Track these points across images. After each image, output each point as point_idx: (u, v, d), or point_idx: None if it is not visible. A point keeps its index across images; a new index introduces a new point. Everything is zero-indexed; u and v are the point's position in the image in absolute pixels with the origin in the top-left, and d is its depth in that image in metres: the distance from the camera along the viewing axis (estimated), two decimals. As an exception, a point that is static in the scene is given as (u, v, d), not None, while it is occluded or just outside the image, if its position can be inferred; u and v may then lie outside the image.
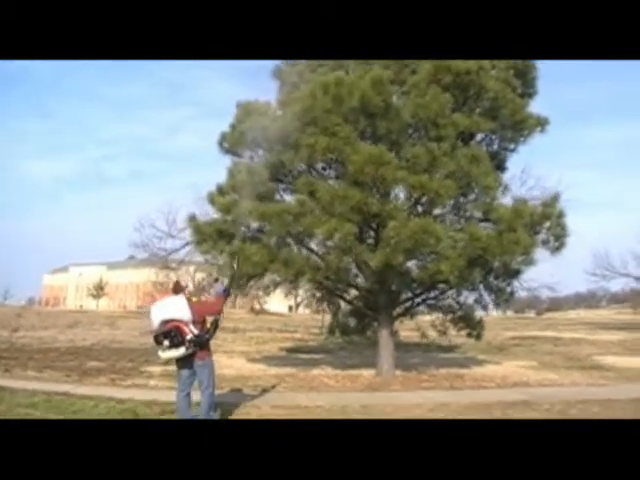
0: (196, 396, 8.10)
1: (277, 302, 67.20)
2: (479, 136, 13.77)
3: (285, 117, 12.50)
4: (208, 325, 7.96)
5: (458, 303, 15.58)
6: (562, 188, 13.71)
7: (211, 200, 13.58)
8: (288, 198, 13.83)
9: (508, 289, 14.83)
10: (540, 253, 12.86)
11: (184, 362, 7.71)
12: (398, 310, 15.07)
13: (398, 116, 12.25)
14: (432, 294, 15.12)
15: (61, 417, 8.50)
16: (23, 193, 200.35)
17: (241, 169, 12.97)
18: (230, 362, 16.82)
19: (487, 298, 14.91)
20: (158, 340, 7.50)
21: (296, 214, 12.05)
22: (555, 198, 13.17)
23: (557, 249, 13.15)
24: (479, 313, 15.75)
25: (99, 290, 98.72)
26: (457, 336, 18.76)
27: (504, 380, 13.66)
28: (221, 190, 13.50)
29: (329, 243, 12.77)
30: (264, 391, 11.43)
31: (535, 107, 13.76)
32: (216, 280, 9.75)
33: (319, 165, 13.91)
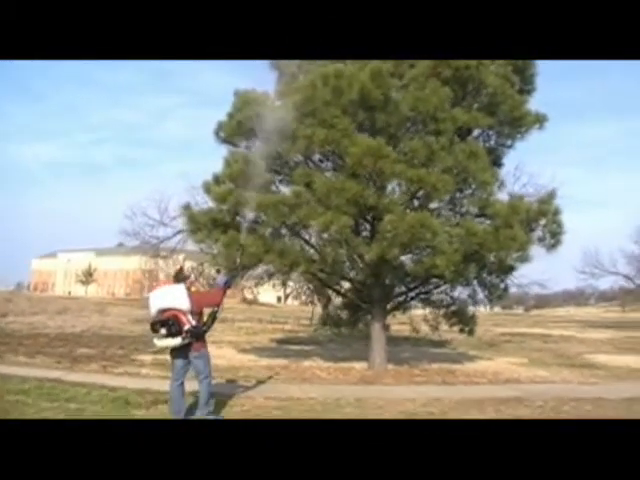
0: (189, 386, 8.06)
1: (265, 293, 67.20)
2: (476, 131, 13.72)
3: (284, 108, 12.42)
4: (205, 317, 7.91)
5: (451, 298, 15.60)
6: (555, 185, 13.76)
7: (207, 189, 13.50)
8: (284, 189, 13.77)
9: (501, 285, 14.85)
10: (533, 250, 12.90)
11: (179, 352, 7.64)
12: (391, 304, 15.05)
13: (397, 109, 12.19)
14: (426, 288, 15.12)
15: (54, 404, 8.47)
16: (10, 177, 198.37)
17: (238, 159, 12.87)
18: (220, 352, 16.74)
19: (481, 294, 14.93)
20: (155, 328, 7.44)
21: (292, 205, 11.99)
22: (551, 195, 13.19)
23: (553, 246, 13.19)
24: (472, 308, 15.76)
25: (88, 276, 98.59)
26: (447, 331, 18.80)
27: (495, 376, 13.69)
28: (217, 179, 13.41)
29: (324, 235, 12.70)
30: (256, 382, 11.41)
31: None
32: (218, 271, 9.67)
33: (316, 157, 13.87)
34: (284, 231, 13.28)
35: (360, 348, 18.20)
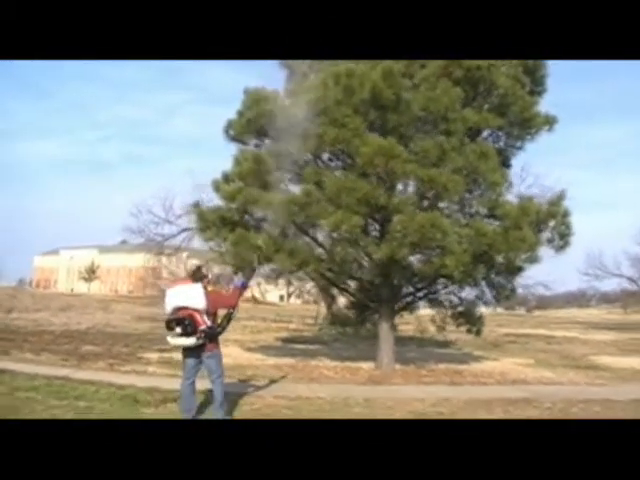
0: (199, 384, 8.04)
1: (268, 291, 67.32)
2: (485, 132, 13.72)
3: (295, 106, 12.41)
4: (219, 317, 7.88)
5: (459, 298, 15.57)
6: (561, 187, 13.76)
7: (216, 187, 13.48)
8: (293, 188, 13.76)
9: (509, 286, 14.83)
10: (542, 251, 12.91)
11: (191, 351, 7.57)
12: (399, 304, 15.04)
13: (408, 109, 12.18)
14: (433, 289, 15.11)
15: (63, 402, 8.50)
16: (16, 174, 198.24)
17: (248, 157, 12.86)
18: (227, 351, 16.57)
19: (489, 294, 14.90)
20: (170, 326, 7.38)
21: (302, 204, 11.98)
22: (561, 197, 13.18)
23: (561, 248, 13.20)
24: (479, 309, 15.75)
25: (91, 273, 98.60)
26: (451, 331, 18.78)
27: (503, 377, 13.69)
28: (227, 178, 13.40)
29: (334, 235, 12.70)
30: (265, 381, 11.43)
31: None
32: (235, 273, 9.62)
33: (325, 156, 13.85)
34: (293, 230, 13.25)
35: (365, 348, 18.20)
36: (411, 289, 15.12)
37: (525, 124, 13.31)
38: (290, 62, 14.21)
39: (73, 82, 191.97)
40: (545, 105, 13.77)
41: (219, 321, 7.88)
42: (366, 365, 14.48)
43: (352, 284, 16.04)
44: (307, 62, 13.39)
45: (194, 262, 41.29)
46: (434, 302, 15.87)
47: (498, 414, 9.11)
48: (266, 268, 14.96)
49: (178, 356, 8.27)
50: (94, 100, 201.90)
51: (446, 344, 22.77)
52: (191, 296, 7.45)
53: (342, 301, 27.01)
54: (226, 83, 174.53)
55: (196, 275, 7.94)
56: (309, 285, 30.91)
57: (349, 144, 12.16)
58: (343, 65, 12.16)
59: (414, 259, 13.38)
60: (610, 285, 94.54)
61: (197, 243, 32.31)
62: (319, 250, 13.64)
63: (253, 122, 13.27)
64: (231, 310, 7.98)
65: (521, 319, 58.77)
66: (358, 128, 12.05)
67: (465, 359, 17.51)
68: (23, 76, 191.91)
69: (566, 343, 26.49)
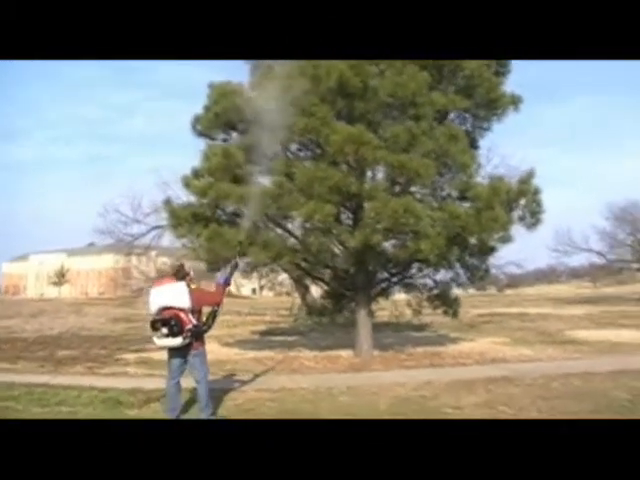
0: (184, 383, 7.97)
1: (243, 285, 67.10)
2: (452, 114, 13.77)
3: (261, 98, 12.30)
4: (203, 315, 7.81)
5: (434, 282, 15.67)
6: (527, 166, 13.89)
7: (186, 184, 13.34)
8: (264, 181, 13.66)
9: (483, 266, 14.95)
10: (513, 230, 13.03)
11: (177, 351, 7.46)
12: (375, 290, 15.07)
13: (376, 96, 12.18)
14: (409, 273, 15.18)
15: (45, 409, 8.35)
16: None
17: (217, 152, 12.74)
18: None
19: (463, 276, 15.01)
20: (155, 326, 7.25)
21: (274, 196, 11.93)
22: (530, 174, 13.29)
23: (533, 225, 13.32)
24: (455, 291, 15.87)
25: (61, 277, 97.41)
26: (426, 314, 18.88)
27: (482, 356, 13.84)
28: (196, 173, 13.28)
29: (307, 225, 12.66)
30: (246, 375, 11.37)
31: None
32: (218, 270, 9.50)
33: (294, 147, 13.80)
34: (266, 222, 13.19)
35: (342, 336, 18.25)
36: (386, 275, 15.19)
37: (491, 105, 13.40)
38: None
39: (27, 81, 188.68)
40: (510, 85, 13.90)
41: (204, 319, 7.81)
42: (345, 353, 14.53)
43: (327, 273, 16.03)
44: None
45: (164, 260, 41.15)
46: (409, 286, 15.95)
47: (480, 394, 9.20)
48: (240, 262, 14.88)
49: (156, 356, 8.18)
50: (47, 99, 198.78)
51: (422, 327, 22.90)
52: (175, 295, 7.33)
53: (316, 291, 26.96)
54: (185, 77, 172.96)
55: (179, 273, 7.83)
56: (281, 277, 30.71)
57: (318, 133, 12.11)
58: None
59: (388, 245, 13.40)
60: (579, 260, 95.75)
61: (167, 241, 32.10)
62: (292, 241, 13.59)
63: (220, 116, 13.17)
64: (216, 307, 7.90)
65: (493, 298, 59.38)
66: (326, 117, 12.02)
67: (442, 341, 17.64)
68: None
69: (540, 320, 26.79)
